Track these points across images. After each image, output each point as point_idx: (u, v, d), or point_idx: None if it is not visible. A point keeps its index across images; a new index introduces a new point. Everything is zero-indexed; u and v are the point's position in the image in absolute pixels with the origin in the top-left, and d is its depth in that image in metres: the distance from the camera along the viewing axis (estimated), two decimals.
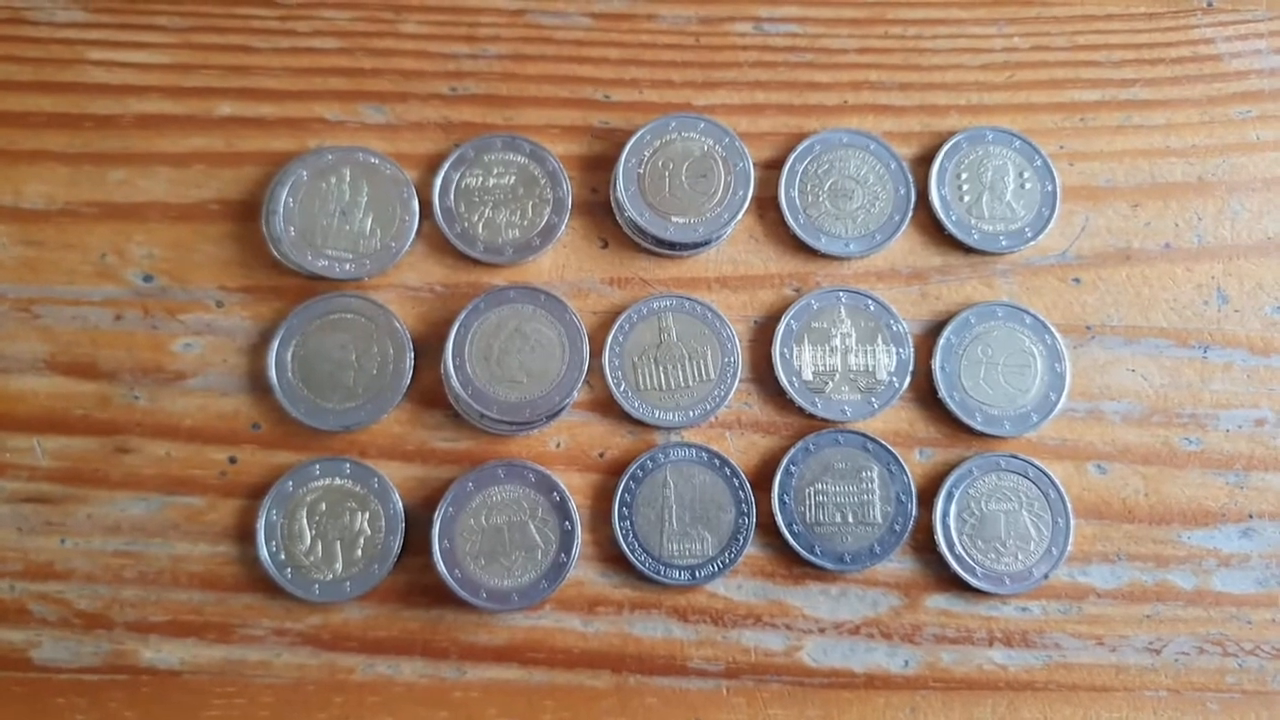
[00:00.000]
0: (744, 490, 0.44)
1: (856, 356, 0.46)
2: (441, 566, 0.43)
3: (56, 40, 0.48)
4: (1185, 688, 0.44)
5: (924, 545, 0.45)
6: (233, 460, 0.45)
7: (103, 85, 0.47)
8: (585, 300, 0.46)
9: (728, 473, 0.44)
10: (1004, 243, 0.46)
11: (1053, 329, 0.46)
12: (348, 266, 0.45)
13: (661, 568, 0.44)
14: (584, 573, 0.44)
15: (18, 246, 0.46)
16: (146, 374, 0.45)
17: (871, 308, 0.46)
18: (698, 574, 0.44)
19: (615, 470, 0.45)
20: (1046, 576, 0.44)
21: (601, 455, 0.45)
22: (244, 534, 0.44)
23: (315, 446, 0.45)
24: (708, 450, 0.45)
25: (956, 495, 0.44)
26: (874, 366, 0.45)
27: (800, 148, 0.47)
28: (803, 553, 0.44)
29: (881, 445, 0.45)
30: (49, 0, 0.48)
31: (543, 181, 0.46)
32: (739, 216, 0.46)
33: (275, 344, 0.45)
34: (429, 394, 0.45)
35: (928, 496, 0.45)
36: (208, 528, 0.44)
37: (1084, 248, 0.47)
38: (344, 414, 0.44)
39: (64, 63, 0.47)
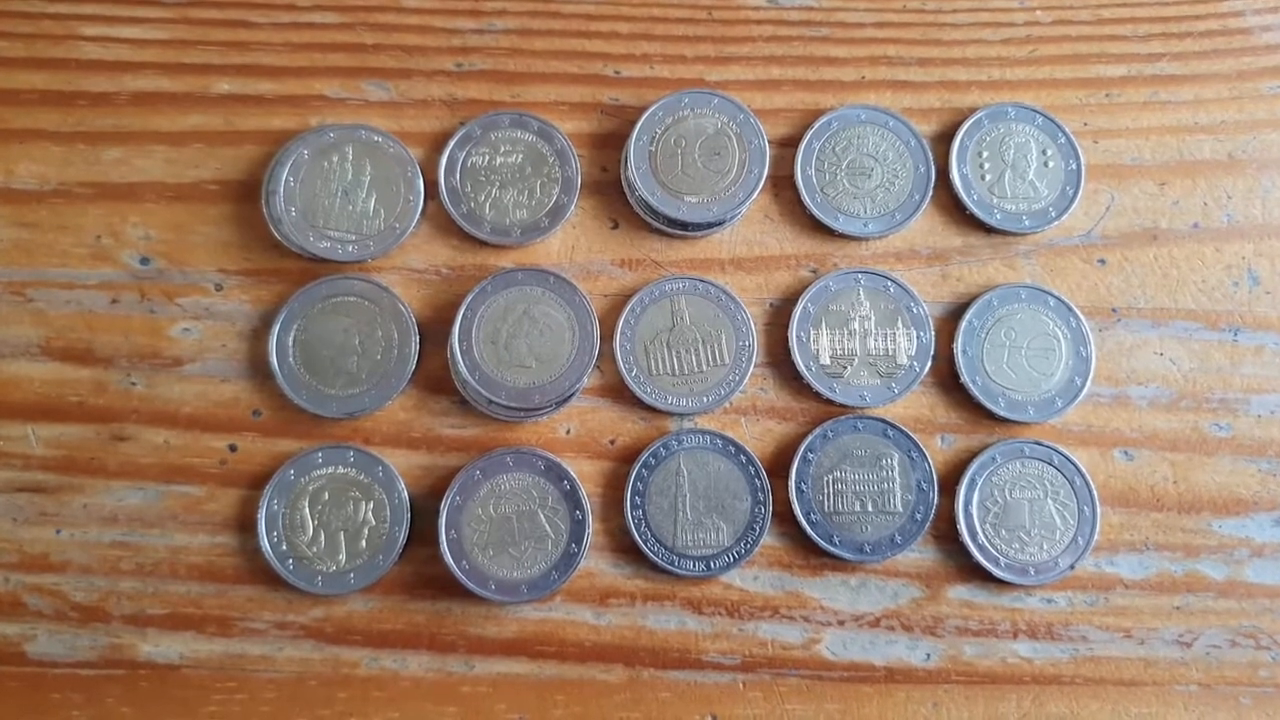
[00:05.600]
0: (760, 478, 0.43)
1: (876, 340, 0.44)
2: (449, 557, 0.42)
3: (49, 15, 0.47)
4: (1217, 682, 0.43)
5: (946, 534, 0.44)
6: (233, 448, 0.44)
7: (97, 62, 0.46)
8: (595, 282, 0.45)
9: (743, 460, 0.43)
10: (1027, 223, 0.45)
11: (1077, 311, 0.45)
12: (350, 248, 0.45)
13: (675, 558, 0.43)
14: (595, 563, 0.43)
15: (10, 228, 0.45)
16: (144, 359, 0.44)
17: (891, 290, 0.45)
18: (713, 564, 0.43)
19: (627, 458, 0.44)
20: (1072, 567, 0.43)
21: (613, 442, 0.44)
22: (245, 524, 0.43)
23: (318, 434, 0.44)
24: (722, 437, 0.44)
25: (979, 483, 0.43)
26: (894, 350, 0.44)
27: (817, 124, 0.46)
28: (821, 542, 0.43)
29: (902, 431, 0.44)
30: None
31: (551, 160, 0.45)
32: (754, 196, 0.45)
33: (276, 328, 0.44)
34: (435, 379, 0.44)
35: (949, 484, 0.44)
36: (207, 518, 0.43)
37: (1109, 228, 0.46)
38: (347, 400, 0.44)
39: (57, 38, 0.47)
